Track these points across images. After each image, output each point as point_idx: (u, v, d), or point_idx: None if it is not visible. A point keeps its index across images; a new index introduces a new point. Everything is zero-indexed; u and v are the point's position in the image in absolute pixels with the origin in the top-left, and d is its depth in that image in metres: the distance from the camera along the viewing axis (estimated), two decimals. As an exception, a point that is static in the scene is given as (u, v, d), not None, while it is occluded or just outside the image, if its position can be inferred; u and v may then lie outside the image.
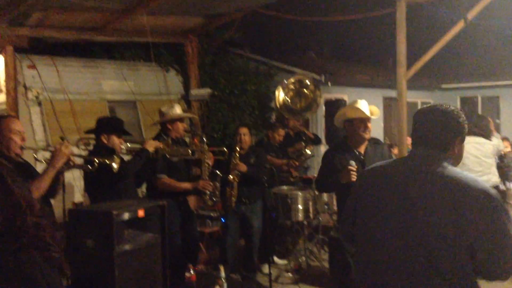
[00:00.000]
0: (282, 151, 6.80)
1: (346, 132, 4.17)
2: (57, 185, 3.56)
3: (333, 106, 10.63)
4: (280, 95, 6.66)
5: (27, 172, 3.44)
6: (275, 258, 6.29)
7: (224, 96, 9.45)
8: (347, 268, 3.97)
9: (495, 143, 5.71)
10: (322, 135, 10.05)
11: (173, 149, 4.79)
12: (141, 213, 3.65)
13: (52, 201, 3.67)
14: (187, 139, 6.17)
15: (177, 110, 5.07)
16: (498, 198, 2.03)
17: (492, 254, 1.99)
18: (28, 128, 6.78)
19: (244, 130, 5.46)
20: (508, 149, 8.03)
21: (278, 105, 6.40)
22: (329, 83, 10.45)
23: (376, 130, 11.73)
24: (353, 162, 3.85)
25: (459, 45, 12.49)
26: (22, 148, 3.36)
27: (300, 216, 5.78)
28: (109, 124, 4.46)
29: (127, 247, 3.52)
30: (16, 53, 6.94)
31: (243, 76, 9.76)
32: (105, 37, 7.75)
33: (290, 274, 5.89)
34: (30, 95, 6.92)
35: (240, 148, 5.31)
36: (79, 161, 3.93)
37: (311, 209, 5.85)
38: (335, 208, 5.28)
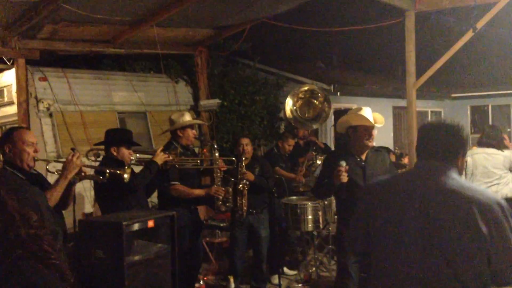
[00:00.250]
0: (292, 161, 6.79)
1: (349, 138, 4.14)
2: (69, 196, 3.59)
3: (342, 115, 10.60)
4: (289, 103, 6.70)
5: (40, 183, 3.47)
6: (285, 269, 6.26)
7: (233, 107, 9.48)
8: (346, 279, 3.96)
9: (507, 154, 5.51)
10: (331, 144, 10.03)
11: (182, 159, 4.81)
12: (151, 223, 3.66)
13: (63, 212, 3.70)
14: (196, 149, 6.20)
15: (187, 117, 5.11)
16: (507, 208, 2.08)
17: (505, 261, 2.06)
18: (39, 139, 6.83)
19: (245, 141, 5.49)
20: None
21: (287, 114, 6.43)
22: (338, 93, 10.45)
23: (385, 139, 11.69)
24: (343, 163, 3.82)
25: (468, 54, 12.46)
26: (34, 159, 3.39)
27: (310, 226, 5.76)
28: (118, 136, 4.49)
29: (137, 257, 3.53)
30: (28, 65, 7.03)
31: (252, 87, 9.78)
32: (115, 49, 7.83)
33: (300, 285, 5.85)
34: (41, 106, 6.99)
35: (245, 158, 5.32)
36: (90, 171, 3.96)
37: (320, 219, 5.82)
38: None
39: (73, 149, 3.70)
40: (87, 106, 7.53)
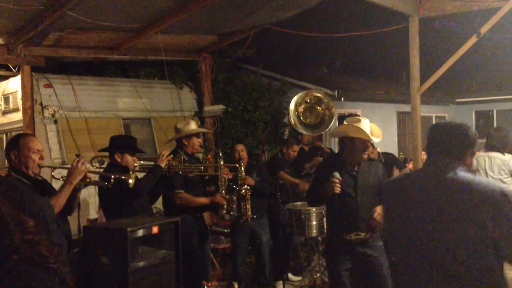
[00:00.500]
0: (298, 167, 6.79)
1: (344, 147, 4.08)
2: (74, 202, 3.60)
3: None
4: (292, 107, 6.72)
5: (45, 189, 3.48)
6: (290, 275, 6.24)
7: (237, 113, 9.50)
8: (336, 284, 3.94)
9: (506, 158, 5.39)
10: (335, 149, 10.01)
11: (186, 165, 4.81)
12: (155, 229, 3.66)
13: (68, 217, 3.70)
14: (200, 155, 6.21)
15: (193, 125, 5.13)
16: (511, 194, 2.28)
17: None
18: (44, 145, 6.85)
19: (240, 147, 5.53)
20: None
21: (291, 117, 6.45)
22: (342, 98, 10.45)
23: (390, 144, 11.67)
24: (337, 174, 3.79)
25: (473, 59, 12.45)
26: (40, 166, 3.40)
27: (314, 232, 5.73)
28: (122, 143, 4.50)
29: (141, 263, 3.53)
30: (33, 72, 7.07)
31: (256, 92, 9.80)
32: (120, 56, 7.87)
33: (305, 291, 5.83)
34: (47, 113, 7.02)
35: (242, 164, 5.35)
36: (95, 177, 3.97)
37: (325, 225, 5.79)
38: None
39: (78, 156, 3.71)
40: (92, 112, 7.56)
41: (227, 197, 4.98)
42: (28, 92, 6.96)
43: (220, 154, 5.11)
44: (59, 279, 1.44)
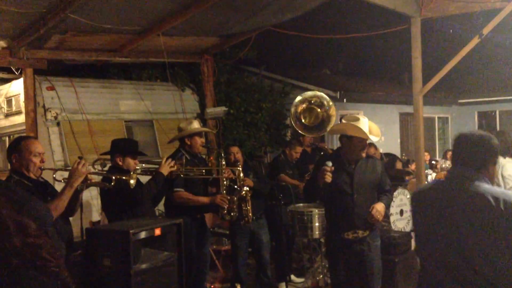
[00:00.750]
0: (302, 168, 6.79)
1: (342, 145, 4.09)
2: (76, 203, 3.59)
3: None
4: (295, 101, 6.77)
5: (46, 191, 3.48)
6: (292, 277, 6.24)
7: (239, 114, 9.50)
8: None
9: (500, 161, 4.99)
10: (338, 151, 10.01)
11: (188, 169, 4.81)
12: (157, 231, 3.66)
13: (70, 220, 3.70)
14: (204, 156, 6.21)
15: (195, 125, 5.13)
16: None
17: None
18: (47, 148, 6.89)
19: (235, 149, 5.55)
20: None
21: (291, 115, 6.48)
22: (345, 100, 10.45)
23: (392, 145, 11.66)
24: (329, 163, 3.78)
25: (475, 60, 12.43)
26: (41, 169, 3.41)
27: (317, 233, 5.72)
28: (123, 146, 4.49)
29: (144, 265, 3.53)
30: (36, 75, 7.09)
31: (258, 94, 9.80)
32: (122, 58, 7.88)
33: (307, 293, 5.82)
34: (49, 115, 7.04)
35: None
36: (96, 179, 3.97)
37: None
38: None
39: (80, 158, 3.71)
40: (94, 114, 7.58)
41: (228, 197, 4.97)
42: (31, 95, 6.98)
43: (222, 154, 5.11)
44: (61, 283, 1.44)
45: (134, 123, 8.20)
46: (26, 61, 6.87)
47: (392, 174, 7.23)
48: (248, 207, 5.23)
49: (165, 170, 4.51)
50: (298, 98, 6.98)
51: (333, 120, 6.82)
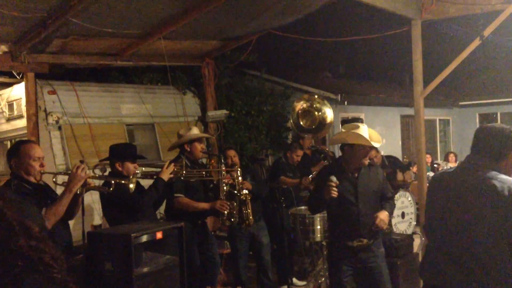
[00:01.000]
0: (304, 171, 6.79)
1: (343, 154, 4.05)
2: (75, 207, 3.59)
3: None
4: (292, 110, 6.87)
5: (46, 194, 3.48)
6: (294, 280, 6.22)
7: (240, 117, 9.51)
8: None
9: None
10: (338, 154, 10.00)
11: (188, 171, 4.81)
12: (159, 235, 3.66)
13: (72, 223, 3.70)
14: (204, 161, 6.21)
15: (194, 131, 5.14)
16: None
17: None
18: (48, 152, 6.90)
19: (232, 153, 5.53)
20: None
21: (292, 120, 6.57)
22: (346, 102, 10.45)
23: (394, 148, 11.65)
24: (333, 178, 3.76)
25: (476, 62, 12.43)
26: (41, 173, 3.41)
27: (319, 236, 5.72)
28: (121, 151, 4.46)
29: (145, 269, 3.53)
30: (37, 79, 7.10)
31: (259, 97, 9.81)
32: (123, 62, 7.90)
33: (309, 296, 5.81)
34: (51, 119, 7.05)
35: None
36: (97, 183, 3.96)
37: (329, 230, 5.79)
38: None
39: (82, 162, 3.72)
40: (96, 118, 7.59)
41: (228, 203, 4.97)
42: (32, 99, 6.99)
43: (222, 160, 5.11)
44: None
45: (135, 126, 8.21)
46: (27, 65, 6.88)
47: (393, 185, 7.27)
48: (249, 210, 5.23)
49: (166, 175, 4.50)
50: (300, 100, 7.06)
51: (329, 123, 6.92)
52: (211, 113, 8.78)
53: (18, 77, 7.89)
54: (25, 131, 7.12)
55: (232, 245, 5.64)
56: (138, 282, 3.39)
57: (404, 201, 7.13)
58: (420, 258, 5.76)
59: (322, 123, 7.06)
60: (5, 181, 3.50)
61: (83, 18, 5.87)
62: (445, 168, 11.03)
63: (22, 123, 7.39)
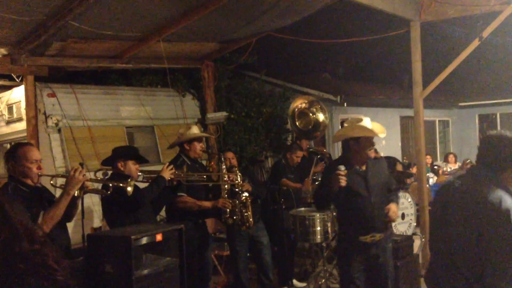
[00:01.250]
0: (303, 173, 6.80)
1: (349, 150, 4.04)
2: (73, 209, 3.59)
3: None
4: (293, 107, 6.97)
5: (43, 197, 3.48)
6: (294, 281, 6.22)
7: (240, 119, 9.51)
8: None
9: None
10: (338, 155, 10.01)
11: (189, 174, 4.81)
12: (159, 237, 3.66)
13: (72, 226, 3.70)
14: (204, 162, 6.21)
15: (194, 130, 5.14)
16: (504, 211, 2.48)
17: (502, 259, 2.53)
18: (48, 154, 6.89)
19: (230, 155, 5.57)
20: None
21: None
22: (345, 103, 10.45)
23: (393, 149, 11.66)
24: (342, 167, 3.75)
25: (475, 63, 12.44)
26: (38, 175, 3.41)
27: (319, 238, 5.72)
28: (125, 151, 4.50)
29: (145, 271, 3.52)
30: (37, 82, 7.10)
31: (258, 99, 9.82)
32: (122, 65, 7.90)
33: (310, 297, 5.80)
34: (50, 122, 7.05)
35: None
36: (95, 185, 3.96)
37: (329, 231, 5.78)
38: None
39: (81, 164, 3.72)
40: (95, 121, 7.59)
41: (230, 201, 4.98)
42: (32, 102, 7.00)
43: (222, 159, 5.12)
44: None
45: (135, 129, 8.21)
46: (27, 68, 6.89)
47: (393, 175, 7.26)
48: (249, 213, 5.24)
49: (167, 174, 4.53)
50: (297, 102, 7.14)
51: (323, 126, 7.05)
52: (211, 115, 8.79)
53: (17, 80, 7.90)
54: (25, 134, 7.12)
55: (231, 247, 5.63)
56: (138, 284, 3.39)
57: (404, 202, 7.13)
58: (420, 260, 5.76)
59: (316, 125, 7.16)
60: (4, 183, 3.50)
61: (83, 21, 5.87)
62: (444, 169, 11.04)
63: (21, 126, 7.39)
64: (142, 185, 4.58)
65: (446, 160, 11.91)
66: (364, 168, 4.00)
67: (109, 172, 4.49)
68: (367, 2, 5.91)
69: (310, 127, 7.29)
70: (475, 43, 6.35)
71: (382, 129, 4.06)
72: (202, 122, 8.95)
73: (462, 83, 14.88)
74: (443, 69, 6.62)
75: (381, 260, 3.94)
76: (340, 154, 10.33)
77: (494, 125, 14.33)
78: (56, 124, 7.10)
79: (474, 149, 2.89)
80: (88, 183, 3.60)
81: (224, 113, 8.83)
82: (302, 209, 6.15)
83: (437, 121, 14.29)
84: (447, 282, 2.74)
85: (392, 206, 3.93)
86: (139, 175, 4.49)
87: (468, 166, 7.63)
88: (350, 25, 12.80)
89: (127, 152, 4.49)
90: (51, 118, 7.06)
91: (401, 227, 7.01)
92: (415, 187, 7.96)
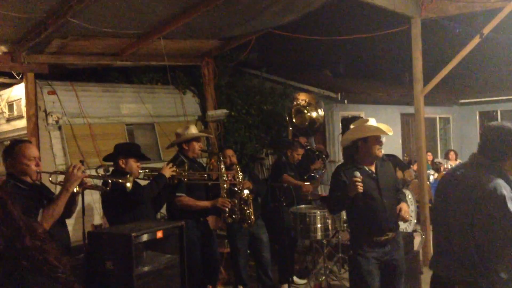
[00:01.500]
0: (304, 170, 6.80)
1: (356, 150, 4.00)
2: (73, 205, 3.58)
3: (349, 123, 10.58)
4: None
5: (42, 194, 3.48)
6: (295, 278, 6.23)
7: (240, 116, 9.50)
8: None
9: None
10: (339, 152, 10.01)
11: (190, 173, 4.82)
12: (159, 234, 3.67)
13: (72, 223, 3.70)
14: (204, 160, 6.22)
15: (192, 130, 5.14)
16: (500, 197, 2.59)
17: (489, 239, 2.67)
18: (48, 152, 6.90)
19: (230, 152, 5.56)
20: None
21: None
22: (346, 101, 10.45)
23: (394, 146, 11.65)
24: (357, 173, 3.75)
25: (476, 60, 12.42)
26: (37, 173, 3.40)
27: (319, 235, 5.73)
28: (126, 149, 4.51)
29: (146, 268, 3.53)
30: (37, 79, 7.10)
31: (259, 96, 9.81)
32: (123, 62, 7.90)
33: (310, 295, 5.81)
34: (51, 120, 7.05)
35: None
36: (93, 182, 3.94)
37: (330, 228, 5.80)
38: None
39: (82, 162, 3.71)
40: (96, 118, 7.59)
41: (229, 200, 4.99)
42: (32, 99, 6.99)
43: (221, 158, 5.12)
44: None
45: (135, 126, 8.20)
46: (27, 66, 6.88)
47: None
48: (251, 210, 5.25)
49: (167, 172, 4.54)
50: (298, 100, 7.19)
51: (318, 123, 7.12)
52: (211, 113, 8.78)
53: (17, 77, 7.89)
54: (25, 132, 7.12)
55: (232, 244, 5.64)
56: (138, 281, 3.40)
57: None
58: (420, 257, 5.76)
59: (312, 122, 7.21)
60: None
61: (83, 19, 5.87)
62: (445, 166, 11.03)
63: (22, 123, 7.39)
64: (143, 183, 4.59)
65: (446, 157, 11.92)
66: (373, 168, 3.99)
67: (111, 169, 4.49)
68: (367, -1, 5.91)
69: (306, 123, 7.32)
70: (476, 40, 6.34)
71: (388, 128, 4.06)
72: (203, 120, 8.95)
73: (463, 80, 14.86)
74: (444, 66, 6.62)
75: (396, 257, 3.95)
76: (340, 154, 10.34)
77: (495, 122, 14.30)
78: (57, 122, 7.09)
79: (474, 146, 2.89)
80: (87, 180, 3.59)
81: (225, 111, 8.82)
82: (303, 206, 6.16)
83: (437, 118, 14.28)
84: (446, 267, 2.86)
85: (404, 206, 3.97)
86: (140, 172, 4.49)
87: None
88: (351, 22, 12.77)
89: (129, 150, 4.49)
90: (52, 115, 7.06)
91: (401, 224, 7.01)
92: (415, 184, 7.96)
